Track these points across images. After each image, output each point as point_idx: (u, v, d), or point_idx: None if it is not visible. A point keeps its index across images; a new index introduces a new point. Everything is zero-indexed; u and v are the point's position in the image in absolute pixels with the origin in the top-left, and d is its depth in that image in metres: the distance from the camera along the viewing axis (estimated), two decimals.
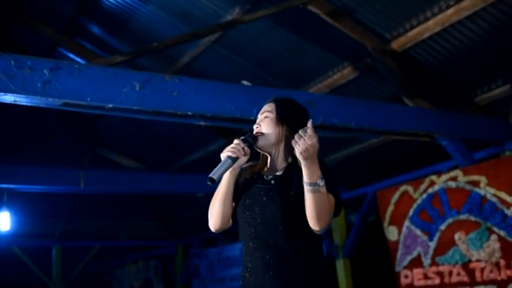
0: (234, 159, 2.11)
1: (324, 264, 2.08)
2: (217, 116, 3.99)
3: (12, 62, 3.31)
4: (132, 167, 9.53)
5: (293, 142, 1.93)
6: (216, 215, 2.18)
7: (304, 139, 1.90)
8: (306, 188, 1.94)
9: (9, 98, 3.38)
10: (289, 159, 2.18)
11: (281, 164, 2.19)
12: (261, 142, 2.19)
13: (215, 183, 2.08)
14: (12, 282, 13.48)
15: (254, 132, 2.22)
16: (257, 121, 2.27)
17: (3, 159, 7.94)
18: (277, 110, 2.22)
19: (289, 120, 2.20)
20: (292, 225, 2.04)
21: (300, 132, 1.92)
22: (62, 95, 3.44)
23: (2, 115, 7.58)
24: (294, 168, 2.12)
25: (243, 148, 2.14)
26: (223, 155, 2.12)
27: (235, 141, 2.15)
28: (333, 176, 2.08)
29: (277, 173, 2.17)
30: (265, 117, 2.23)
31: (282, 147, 2.19)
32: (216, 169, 2.07)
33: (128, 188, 7.52)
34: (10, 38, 7.69)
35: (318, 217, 1.95)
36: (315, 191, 1.93)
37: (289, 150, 2.15)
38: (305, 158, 1.90)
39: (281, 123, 2.19)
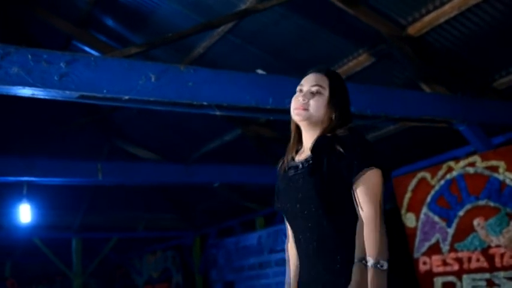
0: None
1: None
2: (233, 106, 4.00)
3: (29, 56, 3.35)
4: (149, 158, 9.58)
5: None
6: None
7: None
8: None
9: (27, 92, 3.42)
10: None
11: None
12: (304, 117, 1.99)
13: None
14: (33, 273, 13.71)
15: (299, 105, 1.99)
16: (303, 89, 2.02)
17: (23, 152, 8.04)
18: (331, 89, 2.01)
19: (340, 104, 2.02)
20: (329, 208, 1.89)
21: None
22: (79, 88, 3.47)
23: (21, 108, 7.66)
24: (321, 143, 1.95)
25: None
26: None
27: None
28: (365, 149, 1.98)
29: (306, 155, 2.00)
30: (318, 92, 2.00)
31: (322, 127, 2.01)
32: None
33: (145, 180, 7.58)
34: (25, 32, 7.76)
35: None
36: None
37: (324, 130, 2.00)
38: None
39: (333, 105, 2.00)
